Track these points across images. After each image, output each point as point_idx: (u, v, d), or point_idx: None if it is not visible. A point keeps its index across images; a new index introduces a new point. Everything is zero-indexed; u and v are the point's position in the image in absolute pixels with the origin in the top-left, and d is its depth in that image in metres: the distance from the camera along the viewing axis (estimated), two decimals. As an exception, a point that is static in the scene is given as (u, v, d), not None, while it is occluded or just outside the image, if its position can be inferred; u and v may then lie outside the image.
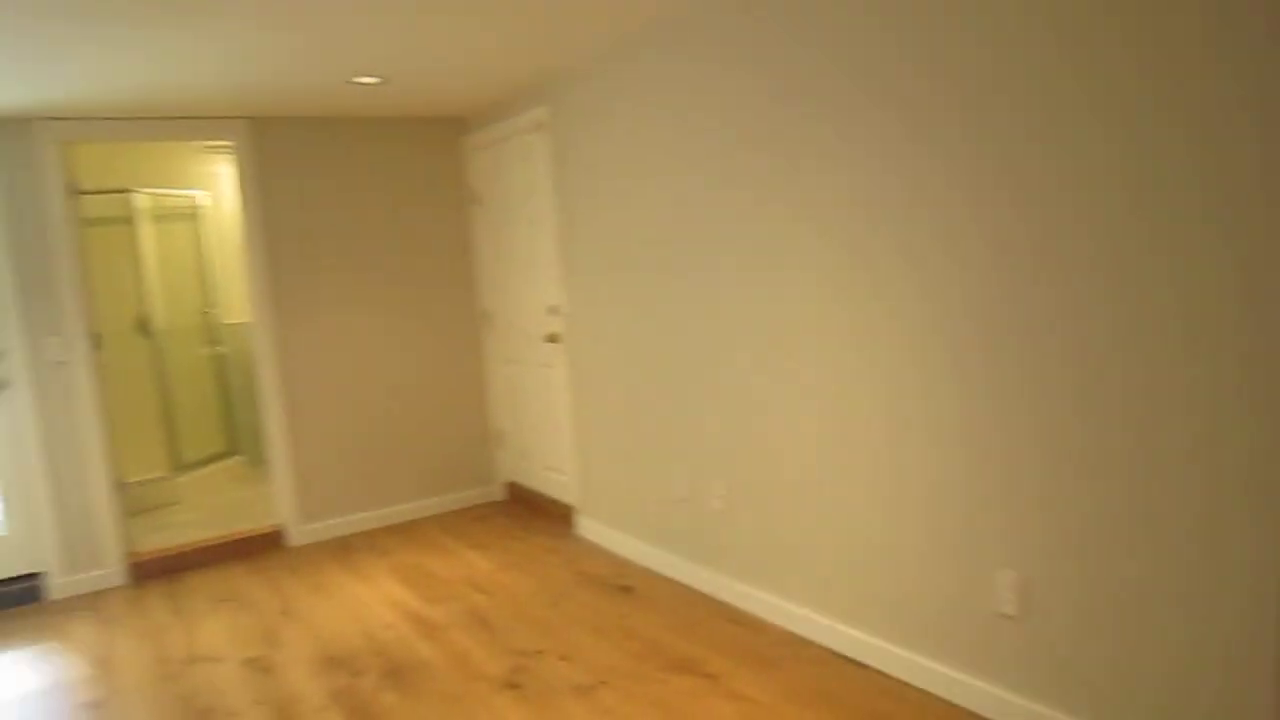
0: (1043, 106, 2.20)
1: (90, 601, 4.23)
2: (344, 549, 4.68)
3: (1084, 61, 2.10)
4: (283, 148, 4.62)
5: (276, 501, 4.77)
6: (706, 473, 3.62)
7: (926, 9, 2.46)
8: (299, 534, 4.79)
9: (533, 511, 5.03)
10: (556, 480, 4.80)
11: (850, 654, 3.03)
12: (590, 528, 4.47)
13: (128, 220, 5.36)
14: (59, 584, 4.28)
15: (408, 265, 4.99)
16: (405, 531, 4.88)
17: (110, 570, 4.38)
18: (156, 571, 4.48)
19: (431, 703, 2.98)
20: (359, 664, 3.33)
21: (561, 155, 4.26)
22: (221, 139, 4.51)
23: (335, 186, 4.77)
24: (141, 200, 5.41)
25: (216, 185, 6.04)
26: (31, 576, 4.25)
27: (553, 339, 4.53)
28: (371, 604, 3.91)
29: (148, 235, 5.47)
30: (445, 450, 5.17)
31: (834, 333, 2.92)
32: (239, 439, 6.13)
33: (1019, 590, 2.44)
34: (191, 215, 5.83)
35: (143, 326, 5.47)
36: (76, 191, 4.30)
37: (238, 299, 6.00)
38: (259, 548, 4.71)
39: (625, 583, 3.89)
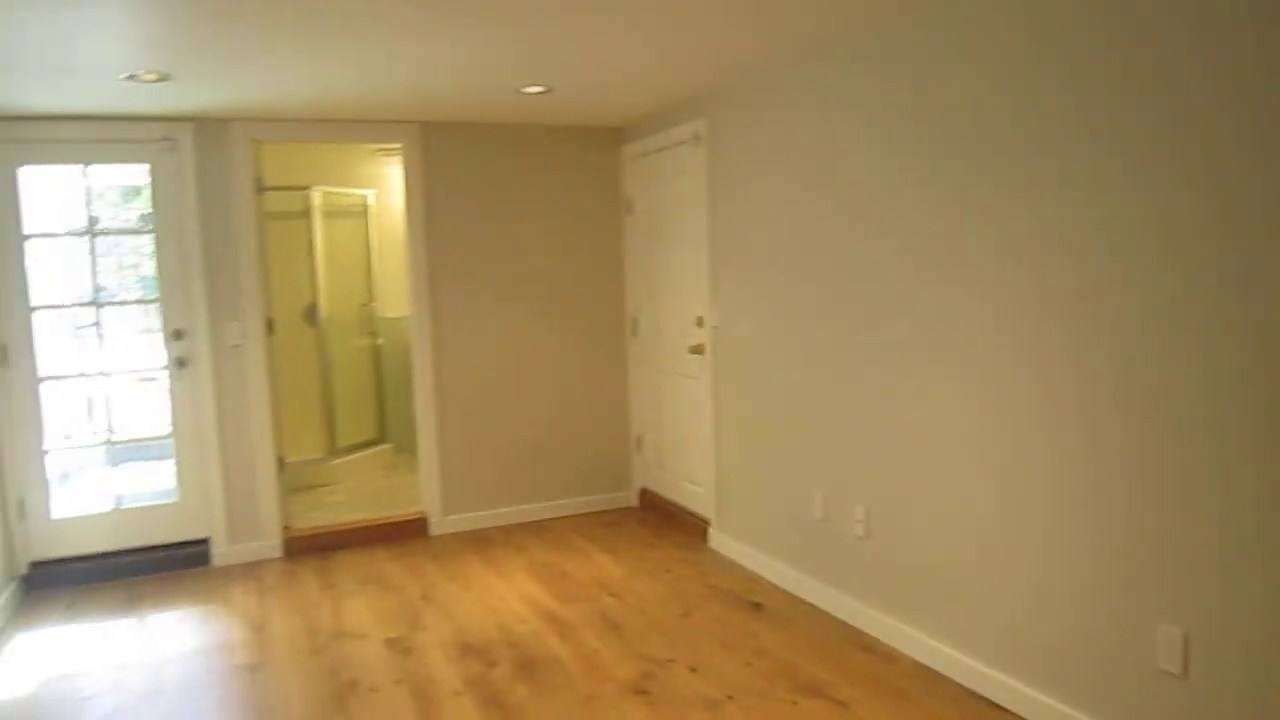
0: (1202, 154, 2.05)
1: (249, 571, 4.51)
2: (482, 541, 4.82)
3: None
4: (448, 151, 4.82)
5: (422, 491, 4.97)
6: (847, 495, 3.54)
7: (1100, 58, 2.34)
8: (441, 524, 4.97)
9: (665, 520, 5.06)
10: (691, 491, 4.81)
11: (988, 695, 2.91)
12: (723, 541, 4.45)
13: (304, 215, 5.71)
14: (222, 551, 4.59)
15: (559, 269, 5.11)
16: (540, 530, 4.98)
17: (268, 543, 4.66)
18: (309, 548, 4.74)
19: (562, 700, 3.03)
20: (493, 654, 3.42)
21: (715, 168, 4.28)
22: (393, 142, 4.75)
23: (495, 190, 4.94)
24: (317, 197, 5.75)
25: (384, 185, 6.35)
26: (200, 542, 4.57)
27: (697, 350, 4.55)
28: (507, 597, 4.01)
29: (320, 230, 5.81)
30: (584, 453, 5.26)
31: (993, 357, 2.81)
32: (389, 428, 6.41)
33: (1183, 647, 2.28)
34: (360, 213, 6.16)
35: (310, 316, 5.81)
36: (262, 187, 4.62)
37: (396, 294, 6.29)
38: (403, 533, 4.91)
39: (756, 599, 3.86)
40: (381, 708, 3.04)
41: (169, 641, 3.68)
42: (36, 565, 4.30)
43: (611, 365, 5.29)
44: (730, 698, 2.99)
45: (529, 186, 5.01)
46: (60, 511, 4.34)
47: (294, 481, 5.67)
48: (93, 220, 4.31)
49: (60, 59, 3.20)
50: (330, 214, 5.92)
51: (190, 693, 3.22)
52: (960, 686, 3.00)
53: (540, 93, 4.14)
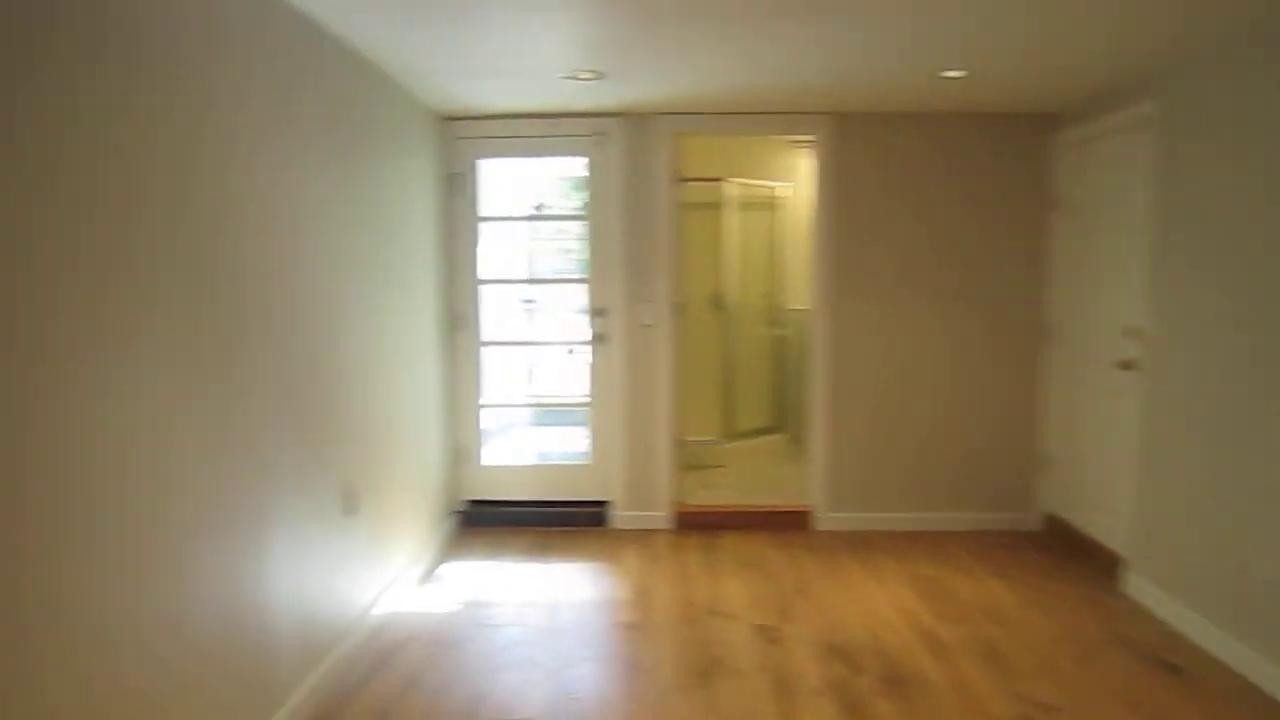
0: None
1: (641, 537, 4.82)
2: (863, 544, 4.68)
3: None
4: (859, 143, 4.71)
5: (809, 483, 4.95)
6: (1314, 555, 2.87)
7: None
8: (824, 519, 4.91)
9: (1071, 551, 4.51)
10: (1104, 524, 4.23)
11: None
12: (1140, 586, 3.86)
13: (716, 206, 5.94)
14: (619, 515, 4.95)
15: (972, 268, 4.77)
16: (926, 541, 4.71)
17: (660, 513, 4.94)
18: (695, 524, 4.95)
19: (927, 724, 2.83)
20: (860, 660, 3.29)
21: (1166, 158, 3.69)
22: (805, 134, 4.75)
23: (905, 183, 4.74)
24: (730, 189, 5.96)
25: (798, 178, 6.41)
26: (601, 504, 4.98)
27: (1127, 365, 3.98)
28: (882, 605, 3.84)
29: (731, 221, 6.01)
30: (983, 466, 4.87)
31: None
32: (785, 417, 6.48)
33: None
34: (770, 205, 6.27)
35: (716, 302, 6.05)
36: (680, 179, 4.88)
37: (801, 286, 6.32)
38: (786, 524, 4.93)
39: (1173, 659, 3.29)
40: (742, 691, 3.06)
41: (566, 589, 4.05)
42: (471, 504, 4.98)
43: (1022, 374, 4.83)
44: (1128, 767, 2.58)
45: (943, 179, 4.73)
46: (490, 460, 4.98)
47: (688, 460, 5.96)
48: (537, 207, 4.86)
49: (512, 63, 3.62)
50: (743, 205, 6.10)
51: (577, 638, 3.51)
52: None
53: (960, 77, 3.87)
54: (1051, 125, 4.69)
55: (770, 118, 4.73)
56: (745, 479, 5.71)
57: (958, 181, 4.73)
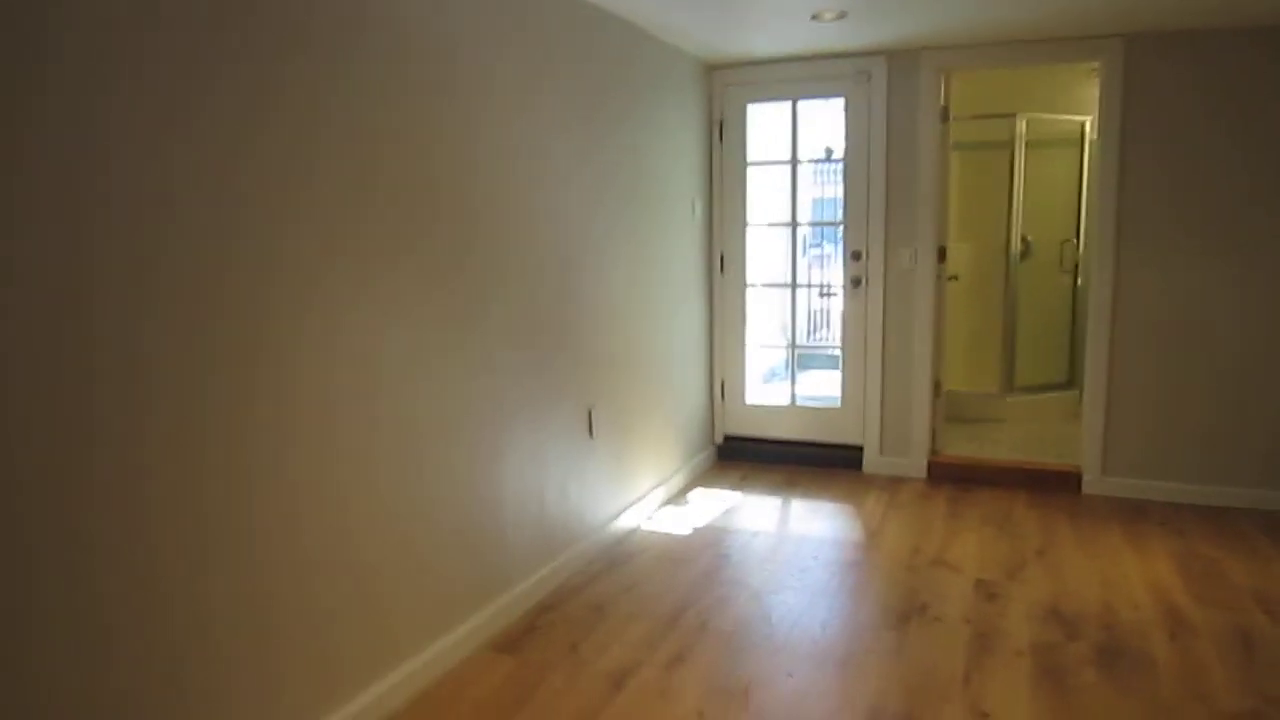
0: None
1: (889, 484, 4.77)
2: (1136, 512, 4.28)
3: None
4: (1155, 68, 4.18)
5: (1082, 444, 4.58)
6: None
7: None
8: (1096, 483, 4.53)
9: None
10: None
11: None
12: None
13: (1008, 144, 5.55)
14: (872, 460, 4.93)
15: (1265, 210, 4.09)
16: (1215, 517, 4.20)
17: (912, 461, 4.85)
18: (950, 476, 4.80)
19: (1130, 703, 2.63)
20: (1080, 629, 3.10)
21: None
22: (1091, 60, 4.31)
23: (1210, 111, 4.14)
24: (1022, 124, 5.53)
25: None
26: (855, 448, 4.99)
27: None
28: (1131, 577, 3.54)
29: (1025, 159, 5.58)
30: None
31: None
32: (1080, 372, 5.97)
33: None
34: (1073, 141, 5.72)
35: (1005, 247, 5.69)
36: (947, 117, 4.65)
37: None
38: (1052, 485, 4.62)
39: None
40: (935, 638, 3.03)
41: (800, 524, 4.17)
42: (729, 438, 5.22)
43: (1362, 334, 4.08)
44: (1366, 783, 2.24)
45: (1264, 100, 4.07)
46: (751, 399, 5.17)
47: (963, 412, 5.73)
48: (827, 152, 4.88)
49: (758, 9, 3.69)
50: (1038, 143, 5.63)
51: (794, 568, 3.64)
52: None
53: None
54: None
55: (1050, 44, 4.34)
56: (1024, 435, 5.39)
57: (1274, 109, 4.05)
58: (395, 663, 2.63)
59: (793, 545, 3.91)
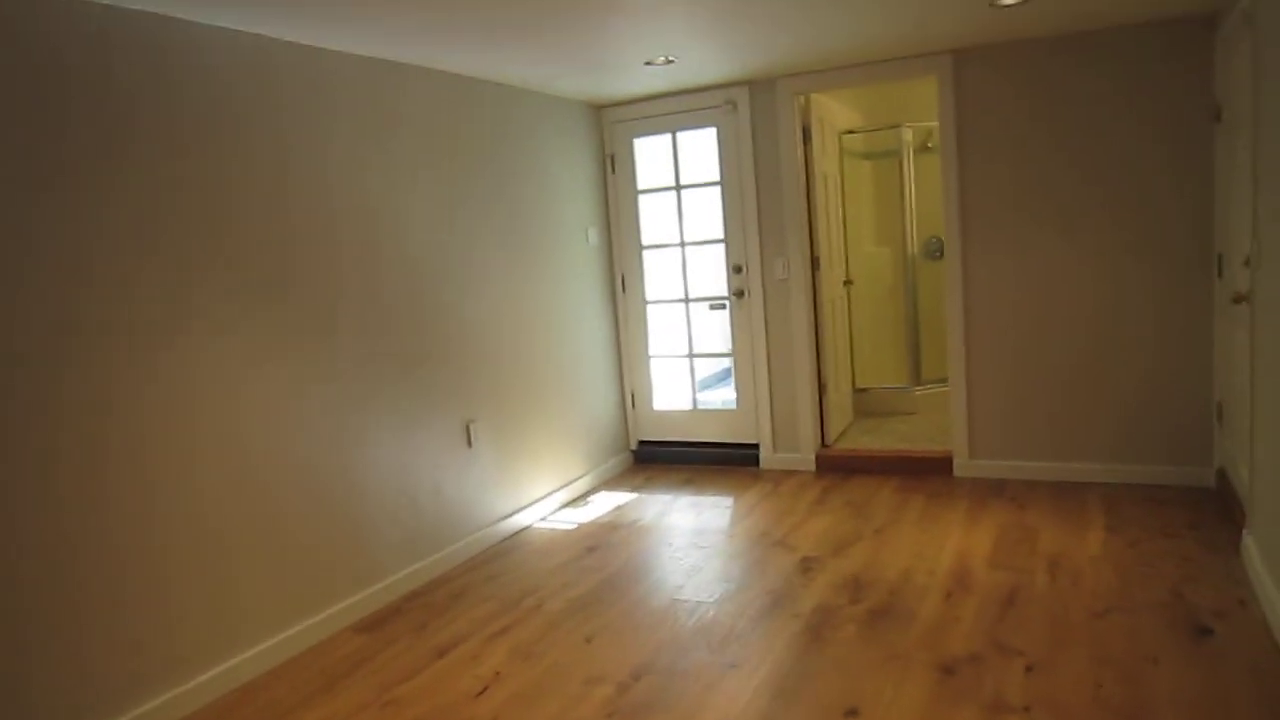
0: None
1: (778, 478, 5.17)
2: (992, 491, 4.59)
3: None
4: (984, 77, 4.53)
5: (951, 431, 4.92)
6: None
7: None
8: (965, 466, 4.86)
9: (1229, 510, 4.05)
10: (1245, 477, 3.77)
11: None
12: (1250, 551, 3.46)
13: (897, 153, 5.91)
14: (767, 457, 5.33)
15: (1117, 194, 4.38)
16: (1065, 493, 4.48)
17: (802, 456, 5.24)
18: (836, 467, 5.17)
19: (870, 651, 3.02)
20: (865, 594, 3.47)
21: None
22: (926, 75, 4.68)
23: (1034, 112, 4.47)
24: (909, 134, 5.88)
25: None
26: (751, 446, 5.39)
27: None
28: (946, 548, 3.89)
29: (910, 165, 5.93)
30: (1148, 415, 4.48)
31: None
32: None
33: None
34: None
35: (897, 249, 6.03)
36: (808, 137, 5.06)
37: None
38: (927, 470, 4.96)
39: (1213, 624, 3.02)
40: (734, 607, 3.44)
41: (677, 516, 4.60)
42: (643, 443, 5.68)
43: (1188, 310, 4.34)
44: None
45: (1077, 101, 4.38)
46: (658, 405, 5.62)
47: (876, 407, 6.08)
48: (677, 177, 5.34)
49: (602, 58, 4.18)
50: (922, 149, 5.98)
51: (645, 555, 4.08)
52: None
53: None
54: (1208, 27, 4.13)
55: (888, 64, 4.72)
56: (929, 425, 5.71)
57: (1093, 102, 4.35)
58: (253, 640, 3.17)
59: (659, 535, 4.35)
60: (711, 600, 3.53)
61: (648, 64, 4.32)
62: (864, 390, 6.18)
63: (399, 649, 3.32)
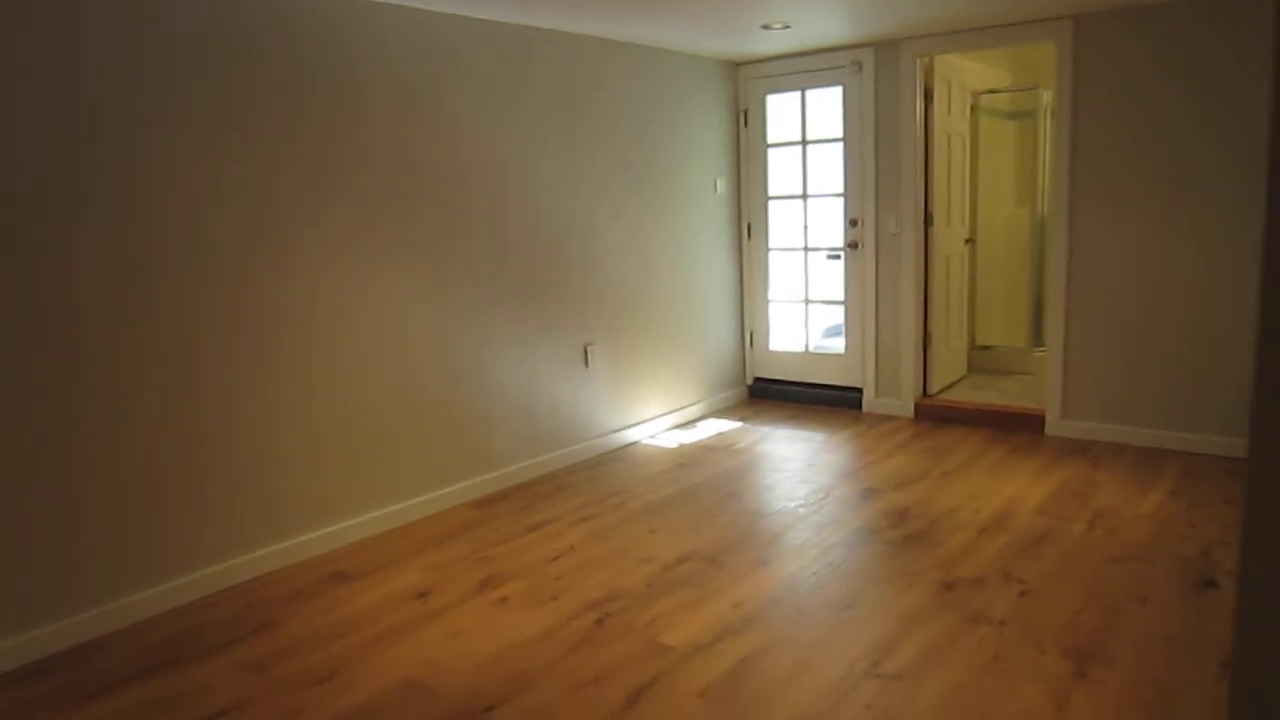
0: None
1: (876, 420, 5.50)
2: (1076, 450, 4.74)
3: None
4: (1109, 40, 4.58)
5: (1046, 390, 5.07)
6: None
7: None
8: (1056, 425, 5.00)
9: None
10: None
11: None
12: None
13: (1032, 114, 5.94)
14: (869, 401, 5.66)
15: (1250, 159, 4.35)
16: (1148, 459, 4.57)
17: (902, 403, 5.53)
18: (933, 416, 5.43)
19: (887, 565, 3.42)
20: (908, 521, 3.84)
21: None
22: (1045, 40, 4.76)
23: (1161, 74, 4.48)
24: (1045, 96, 5.89)
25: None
26: (855, 390, 5.73)
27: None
28: (1003, 492, 4.15)
29: (1047, 127, 5.94)
30: (1234, 387, 4.48)
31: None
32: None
33: None
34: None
35: (1029, 208, 6.08)
36: (931, 98, 5.25)
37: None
38: (1019, 426, 5.14)
39: (1215, 575, 3.20)
40: (788, 521, 3.91)
41: (770, 446, 5.07)
42: (758, 380, 6.13)
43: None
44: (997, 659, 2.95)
45: (1214, 61, 4.36)
46: (774, 345, 6.04)
47: (996, 365, 6.22)
48: (804, 133, 5.67)
49: (720, 24, 4.59)
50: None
51: (727, 475, 4.60)
52: None
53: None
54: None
55: (1007, 29, 4.84)
56: (1040, 387, 5.82)
57: (1214, 71, 4.32)
58: (386, 501, 3.98)
59: (748, 458, 4.85)
60: (768, 513, 4.01)
61: (764, 28, 4.69)
62: (986, 348, 6.32)
63: (500, 523, 4.03)
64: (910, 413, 5.52)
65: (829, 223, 5.75)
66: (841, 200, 5.59)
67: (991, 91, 6.09)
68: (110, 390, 3.09)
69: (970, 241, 5.99)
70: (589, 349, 4.90)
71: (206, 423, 3.35)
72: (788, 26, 4.65)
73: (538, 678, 2.73)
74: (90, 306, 3.03)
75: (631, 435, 5.21)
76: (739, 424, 5.57)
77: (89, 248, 3.01)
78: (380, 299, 3.90)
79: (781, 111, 5.80)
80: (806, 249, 5.83)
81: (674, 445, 5.17)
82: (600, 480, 4.58)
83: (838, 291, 5.77)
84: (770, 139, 5.81)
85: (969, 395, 5.63)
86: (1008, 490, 4.20)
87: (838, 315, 5.82)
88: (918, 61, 5.17)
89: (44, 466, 2.96)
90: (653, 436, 5.36)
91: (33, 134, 2.86)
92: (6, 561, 2.90)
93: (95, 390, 3.06)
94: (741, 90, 5.81)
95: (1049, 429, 5.04)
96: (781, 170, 5.85)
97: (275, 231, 3.50)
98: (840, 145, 5.54)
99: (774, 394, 6.07)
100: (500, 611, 3.18)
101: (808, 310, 5.93)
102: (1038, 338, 6.18)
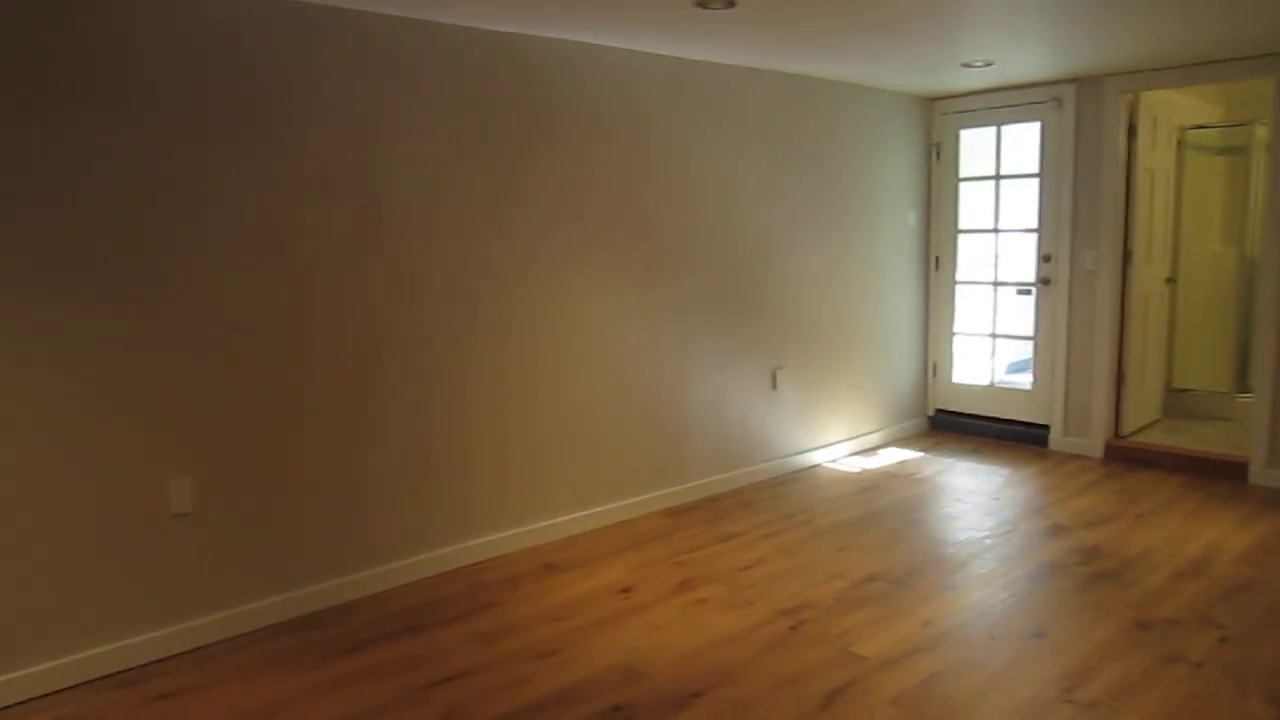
0: None
1: (1063, 459, 5.43)
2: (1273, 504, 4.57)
3: None
4: (1333, 82, 4.43)
5: (1249, 436, 4.88)
6: None
7: None
8: (1260, 474, 4.81)
9: None
10: None
11: None
12: None
13: (1244, 150, 5.73)
14: (1056, 439, 5.60)
15: None
16: (1371, 513, 4.36)
17: (1090, 442, 5.44)
18: (1124, 458, 5.32)
19: (1082, 599, 3.46)
20: (1099, 559, 3.84)
21: None
22: (1262, 77, 4.64)
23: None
24: (1260, 131, 5.67)
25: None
26: (1042, 427, 5.68)
27: None
28: (1200, 538, 4.07)
29: (1260, 163, 5.71)
30: None
31: None
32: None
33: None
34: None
35: (1236, 248, 5.85)
36: (1134, 134, 5.19)
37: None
38: (1218, 473, 4.97)
39: None
40: (973, 552, 3.99)
41: (953, 478, 5.13)
42: (940, 411, 6.16)
43: None
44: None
45: None
46: (957, 378, 6.06)
47: (1188, 408, 6.02)
48: (998, 168, 5.70)
49: (919, 63, 4.75)
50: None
51: (907, 504, 4.70)
52: None
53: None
54: None
55: (1217, 66, 4.74)
56: (1242, 434, 5.58)
57: None
58: (597, 502, 4.33)
59: (931, 487, 4.93)
60: (952, 542, 4.10)
61: (965, 65, 4.80)
62: (1184, 391, 6.11)
63: (692, 531, 4.30)
64: (1099, 453, 5.43)
65: (1019, 258, 5.75)
66: (1035, 236, 5.59)
67: (1200, 127, 5.92)
68: (450, 402, 3.57)
69: (1171, 280, 5.83)
70: (777, 373, 5.11)
71: (438, 422, 3.79)
72: (990, 64, 4.75)
73: (738, 672, 2.97)
74: (441, 339, 3.57)
75: (814, 458, 5.38)
76: (920, 454, 5.64)
77: (438, 286, 3.51)
78: (596, 317, 4.26)
79: (974, 146, 5.86)
80: (996, 283, 5.84)
81: (856, 470, 5.30)
82: (785, 499, 4.78)
83: (1025, 327, 5.74)
84: (962, 173, 5.88)
85: (1164, 438, 5.48)
86: (1206, 536, 4.11)
87: (1023, 350, 5.79)
88: (1121, 97, 5.13)
89: (353, 462, 3.46)
90: (834, 461, 5.51)
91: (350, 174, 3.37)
92: (304, 528, 3.41)
93: (433, 402, 3.54)
94: (935, 125, 5.91)
95: (1253, 478, 4.86)
96: (972, 204, 5.90)
97: (516, 256, 3.93)
98: (1035, 180, 5.55)
99: (954, 426, 6.09)
100: (699, 611, 3.44)
101: (994, 344, 5.93)
102: (1241, 382, 5.92)
